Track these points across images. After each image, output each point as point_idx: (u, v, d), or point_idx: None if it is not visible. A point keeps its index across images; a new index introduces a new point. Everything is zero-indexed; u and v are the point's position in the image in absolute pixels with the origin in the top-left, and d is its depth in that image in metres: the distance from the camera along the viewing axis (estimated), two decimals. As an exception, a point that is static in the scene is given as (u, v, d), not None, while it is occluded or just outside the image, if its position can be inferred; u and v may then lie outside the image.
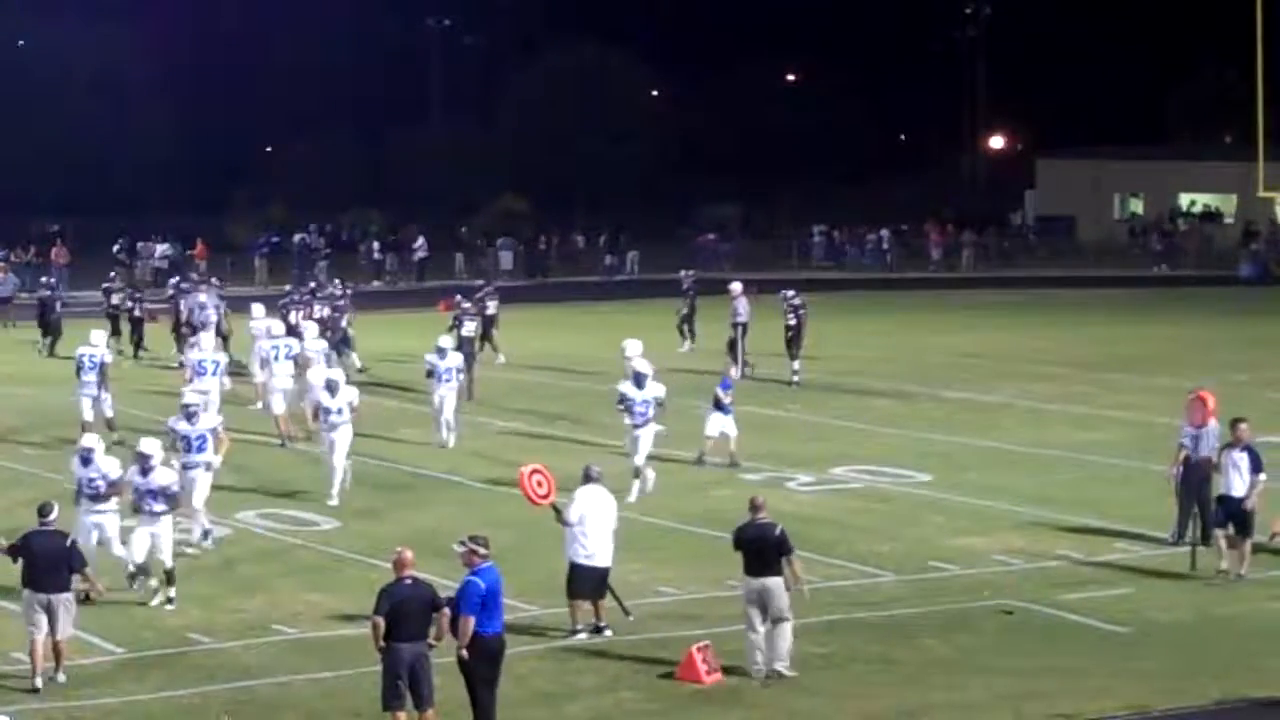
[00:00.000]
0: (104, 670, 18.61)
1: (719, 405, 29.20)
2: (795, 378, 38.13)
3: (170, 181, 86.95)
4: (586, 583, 19.64)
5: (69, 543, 18.67)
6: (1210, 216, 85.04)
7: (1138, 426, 32.70)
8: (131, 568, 20.97)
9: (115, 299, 45.18)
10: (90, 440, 21.73)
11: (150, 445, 21.37)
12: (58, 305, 45.42)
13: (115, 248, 65.39)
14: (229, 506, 25.96)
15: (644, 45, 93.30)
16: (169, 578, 20.98)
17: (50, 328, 44.92)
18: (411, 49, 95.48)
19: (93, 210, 79.46)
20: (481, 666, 16.21)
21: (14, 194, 78.84)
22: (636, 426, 26.68)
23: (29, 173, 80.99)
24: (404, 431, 32.22)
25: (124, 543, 21.13)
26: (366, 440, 31.40)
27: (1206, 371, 36.79)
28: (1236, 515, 22.14)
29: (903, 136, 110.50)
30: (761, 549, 18.45)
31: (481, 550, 16.53)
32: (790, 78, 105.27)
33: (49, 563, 18.30)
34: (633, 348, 30.60)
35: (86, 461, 21.31)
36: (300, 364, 32.17)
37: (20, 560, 18.50)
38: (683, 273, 46.68)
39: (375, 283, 65.13)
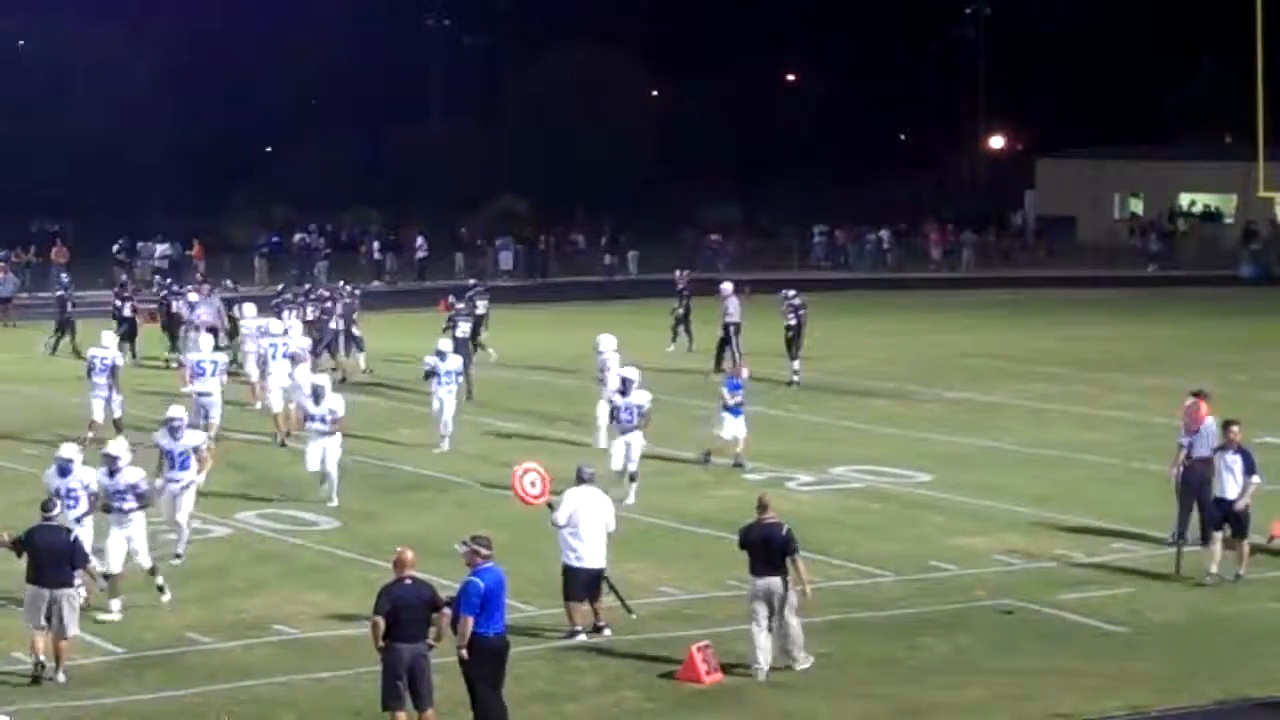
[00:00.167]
0: (104, 670, 18.62)
1: (728, 406, 29.08)
2: (795, 377, 38.14)
3: (170, 181, 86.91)
4: (579, 584, 19.63)
5: (72, 539, 18.73)
6: (1210, 216, 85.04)
7: (1138, 426, 32.71)
8: (103, 582, 20.35)
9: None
10: (70, 450, 21.03)
11: (118, 446, 21.04)
12: (68, 306, 45.40)
13: (115, 248, 65.35)
14: (229, 506, 25.98)
15: (644, 45, 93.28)
16: (153, 571, 20.89)
17: (66, 326, 44.84)
18: (411, 49, 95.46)
19: (93, 210, 79.45)
20: (482, 667, 16.21)
21: (14, 194, 78.78)
22: (623, 433, 26.54)
23: (29, 173, 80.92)
24: (403, 432, 32.23)
25: (97, 552, 20.38)
26: (367, 440, 31.48)
27: (1206, 371, 36.80)
28: (1232, 517, 22.15)
29: (903, 136, 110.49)
30: (767, 549, 18.47)
31: (483, 550, 16.52)
32: (790, 78, 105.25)
33: (52, 558, 18.40)
34: (606, 343, 30.70)
35: (65, 472, 20.69)
36: (296, 363, 32.30)
37: (24, 556, 18.63)
38: (677, 273, 46.68)
39: (375, 283, 65.09)
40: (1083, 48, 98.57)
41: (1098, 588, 21.76)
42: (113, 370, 31.24)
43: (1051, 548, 23.81)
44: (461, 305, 40.23)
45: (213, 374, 31.13)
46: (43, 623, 18.22)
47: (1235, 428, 22.70)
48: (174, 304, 42.75)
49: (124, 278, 50.81)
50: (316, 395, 26.62)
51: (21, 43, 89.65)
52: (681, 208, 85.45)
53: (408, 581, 16.08)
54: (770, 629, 18.36)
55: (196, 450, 23.18)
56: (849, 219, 78.74)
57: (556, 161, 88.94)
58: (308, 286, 44.61)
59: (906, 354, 44.41)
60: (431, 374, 30.69)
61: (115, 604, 20.32)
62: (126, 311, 43.40)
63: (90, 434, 29.59)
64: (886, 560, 23.05)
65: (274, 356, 32.68)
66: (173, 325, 42.76)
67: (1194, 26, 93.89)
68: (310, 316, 40.04)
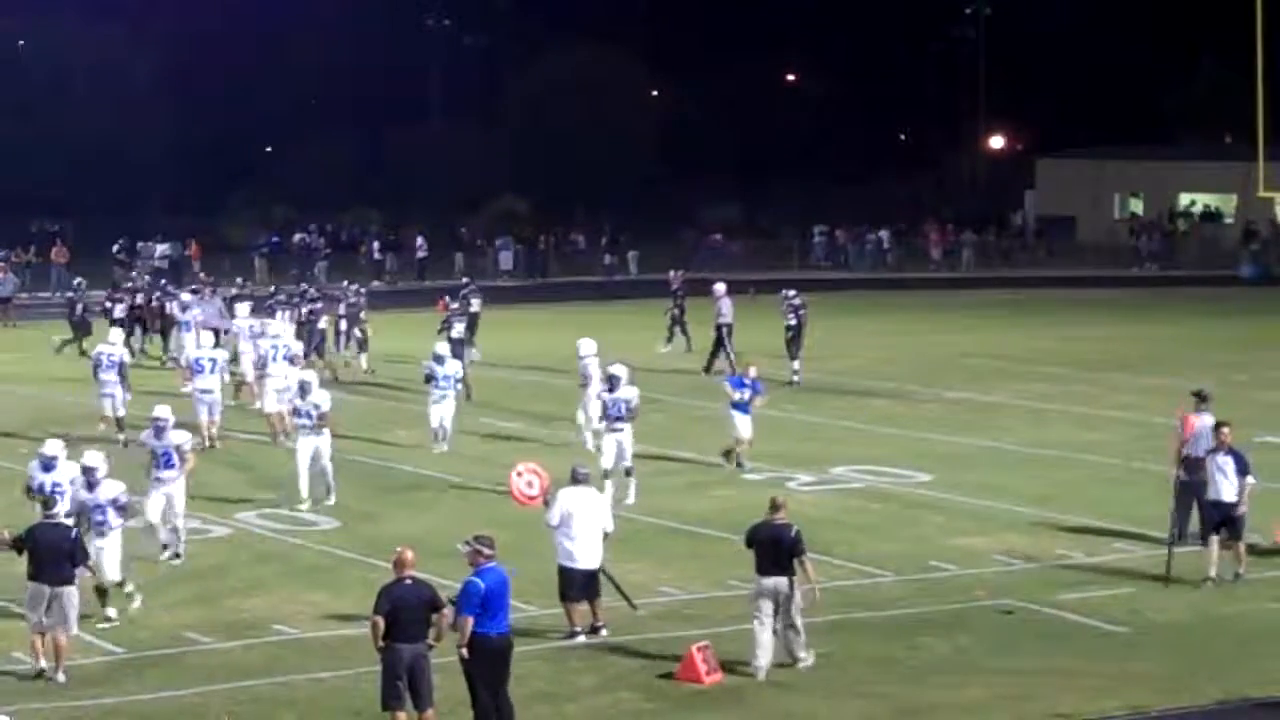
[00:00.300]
0: (104, 670, 18.62)
1: (737, 404, 29.00)
2: (795, 377, 38.14)
3: (170, 181, 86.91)
4: (574, 585, 19.61)
5: (73, 536, 18.76)
6: (1210, 216, 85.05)
7: (1138, 426, 32.71)
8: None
9: (138, 299, 45.02)
10: (54, 447, 20.95)
11: (94, 458, 20.58)
12: (79, 307, 45.41)
13: (115, 248, 65.36)
14: (229, 506, 25.98)
15: (644, 45, 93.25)
16: (121, 584, 20.24)
17: (79, 326, 44.83)
18: (411, 49, 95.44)
19: (93, 210, 79.44)
20: (483, 666, 16.20)
21: (14, 194, 78.78)
22: (611, 431, 26.45)
23: (29, 173, 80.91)
24: (403, 432, 32.23)
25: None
26: (367, 440, 31.51)
27: (1206, 371, 36.78)
28: (1228, 519, 22.13)
29: (903, 136, 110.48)
30: (776, 549, 18.53)
31: (486, 550, 16.50)
32: (790, 78, 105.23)
33: (52, 555, 18.45)
34: (586, 347, 30.84)
35: (48, 468, 20.57)
36: (294, 364, 32.40)
37: (26, 553, 18.68)
38: (672, 273, 46.70)
39: (375, 283, 65.08)
40: (1083, 48, 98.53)
41: (1098, 588, 21.76)
42: (120, 367, 31.52)
43: (1051, 548, 23.81)
44: (456, 305, 40.30)
45: (211, 371, 31.23)
46: (42, 620, 18.23)
47: (1226, 429, 22.70)
48: (168, 304, 42.73)
49: (115, 278, 50.82)
50: (303, 390, 26.62)
51: (21, 43, 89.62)
52: (681, 208, 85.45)
53: (408, 582, 16.07)
54: (775, 629, 18.38)
55: (179, 449, 23.05)
56: (849, 219, 78.74)
57: (556, 161, 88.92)
58: (305, 287, 44.55)
59: (906, 354, 44.42)
60: (430, 378, 30.59)
61: (112, 611, 20.17)
62: (117, 313, 43.42)
63: (102, 427, 30.22)
64: (886, 560, 23.04)
65: (274, 358, 32.75)
66: (165, 325, 42.75)
67: (1194, 26, 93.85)
68: (303, 318, 40.14)
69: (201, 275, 45.73)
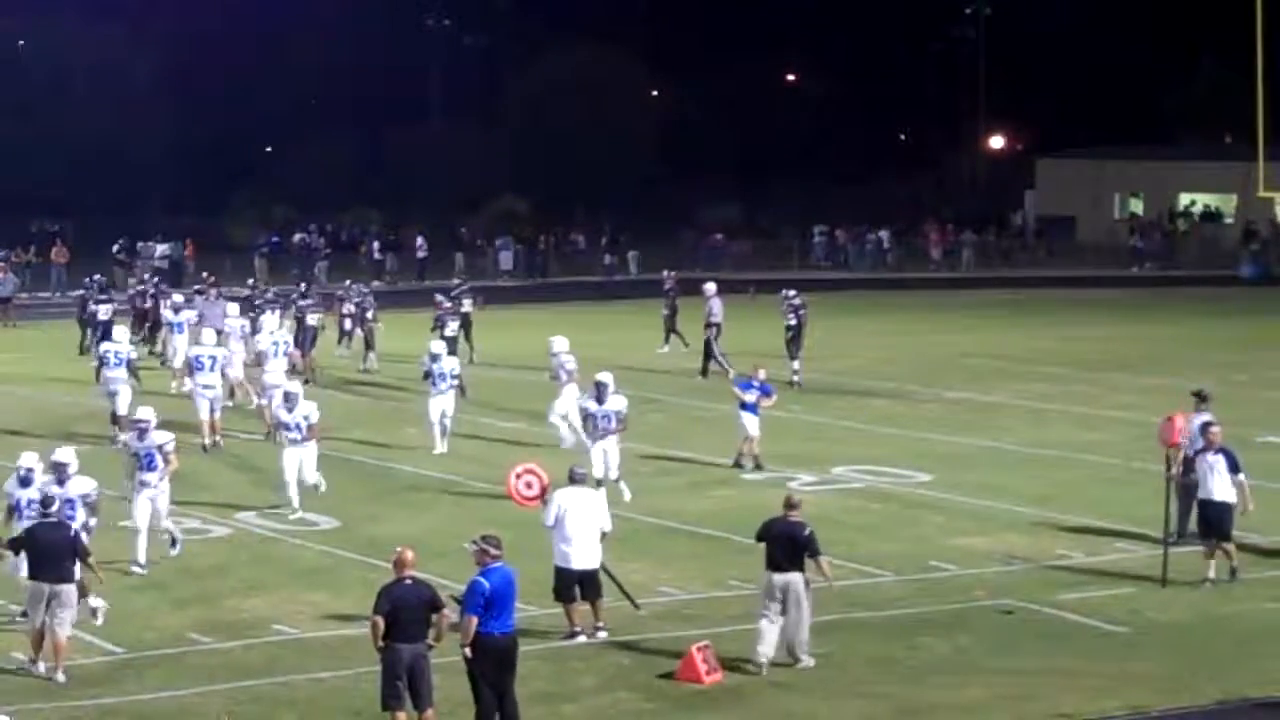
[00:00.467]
0: (104, 670, 18.62)
1: (745, 406, 28.99)
2: (795, 377, 38.12)
3: (170, 181, 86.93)
4: (570, 585, 19.59)
5: (72, 534, 18.77)
6: (1210, 216, 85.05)
7: (1138, 426, 32.65)
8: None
9: (148, 302, 45.06)
10: (29, 460, 20.59)
11: (65, 454, 20.44)
12: (138, 303, 45.41)
13: (115, 248, 65.37)
14: (229, 506, 25.97)
15: (644, 45, 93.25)
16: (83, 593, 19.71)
17: (95, 328, 44.80)
18: (411, 49, 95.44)
19: (93, 210, 79.44)
20: (487, 666, 16.17)
21: (14, 194, 78.78)
22: (598, 439, 26.18)
23: (29, 173, 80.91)
24: (403, 432, 32.22)
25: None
26: (368, 440, 31.51)
27: (1206, 371, 36.80)
28: (1215, 519, 22.08)
29: (903, 136, 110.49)
30: (788, 546, 18.59)
31: (493, 550, 16.48)
32: (790, 78, 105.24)
33: (51, 553, 18.47)
34: (559, 344, 30.91)
35: (26, 483, 20.20)
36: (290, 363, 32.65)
37: (23, 552, 18.73)
38: (665, 273, 46.74)
39: (376, 283, 64.93)
40: (1083, 48, 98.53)
41: (1098, 588, 21.75)
42: (128, 364, 31.75)
43: (1051, 548, 23.81)
44: (449, 304, 40.37)
45: (211, 369, 31.31)
46: (43, 618, 18.26)
47: (1215, 429, 22.69)
48: (161, 305, 42.70)
49: (147, 276, 50.94)
50: (289, 402, 26.03)
51: (21, 43, 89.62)
52: (681, 208, 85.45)
53: (408, 582, 16.07)
54: (781, 626, 18.42)
55: (162, 449, 22.71)
56: (849, 219, 78.76)
57: (556, 161, 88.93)
58: (303, 286, 44.60)
59: (906, 354, 44.42)
60: (428, 375, 30.51)
61: (97, 601, 19.93)
62: (102, 314, 43.43)
63: (113, 429, 30.35)
64: (886, 560, 23.04)
65: (275, 354, 33.17)
66: (155, 326, 42.75)
67: (1194, 26, 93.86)
68: (298, 313, 40.27)
69: (206, 275, 45.68)
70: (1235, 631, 19.98)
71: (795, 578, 18.52)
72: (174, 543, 22.90)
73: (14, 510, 20.11)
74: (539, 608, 20.17)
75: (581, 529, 19.65)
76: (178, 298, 41.71)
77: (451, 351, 34.43)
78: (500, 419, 33.73)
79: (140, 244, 67.21)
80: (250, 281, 48.37)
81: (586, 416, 26.68)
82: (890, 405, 36.24)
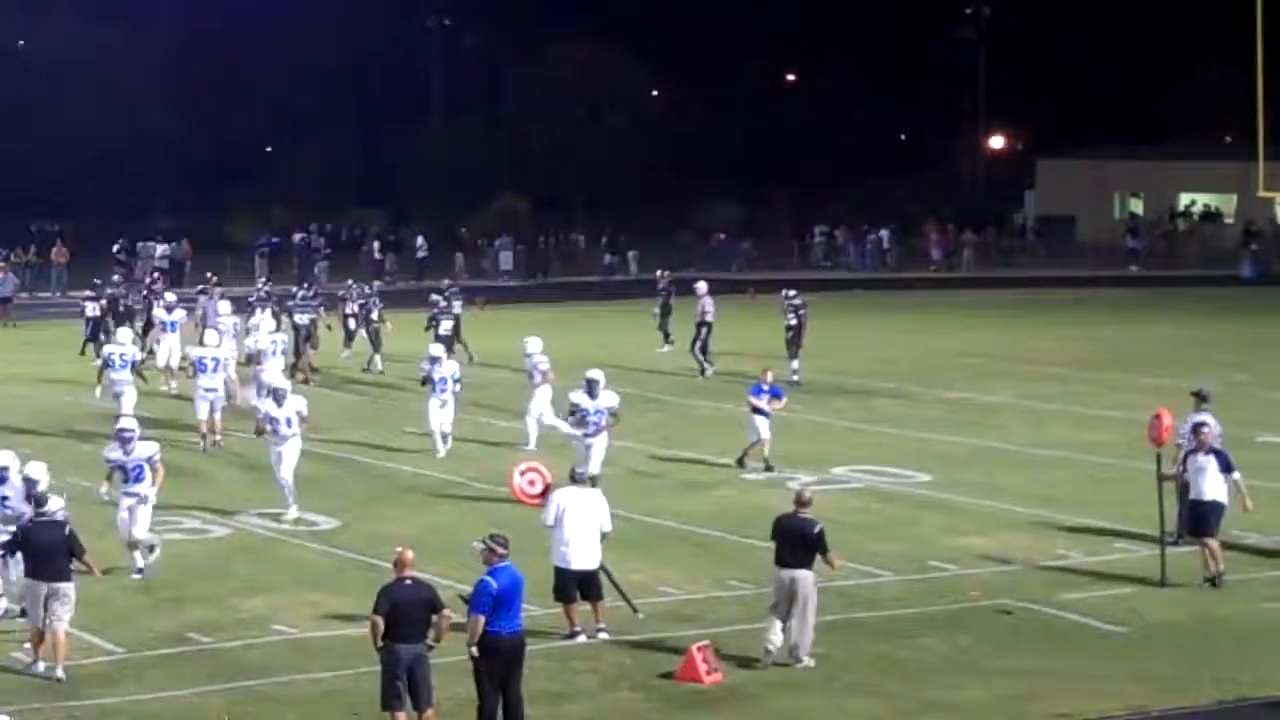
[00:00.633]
0: (104, 670, 18.61)
1: (757, 409, 28.97)
2: (795, 377, 38.11)
3: (170, 181, 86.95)
4: (568, 585, 19.56)
5: (67, 531, 18.78)
6: (1210, 216, 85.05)
7: (1138, 426, 32.51)
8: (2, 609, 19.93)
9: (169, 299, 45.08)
10: (4, 458, 20.48)
11: (37, 470, 20.22)
12: (122, 303, 45.42)
13: (115, 248, 65.40)
14: (229, 507, 25.97)
15: (644, 45, 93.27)
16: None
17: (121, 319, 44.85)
18: (411, 49, 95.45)
19: (93, 210, 79.46)
20: (493, 666, 16.16)
21: (14, 194, 78.80)
22: (588, 436, 26.03)
23: (29, 173, 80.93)
24: (404, 431, 32.21)
25: None
26: (368, 441, 31.51)
27: (1206, 371, 36.75)
28: (1202, 519, 22.05)
29: (903, 136, 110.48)
30: (796, 543, 18.66)
31: (500, 549, 16.47)
32: (790, 78, 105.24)
33: (49, 552, 18.51)
34: (533, 345, 30.93)
35: (2, 480, 20.11)
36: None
37: (20, 551, 18.75)
38: (659, 273, 46.73)
39: (376, 283, 64.99)
40: (1083, 47, 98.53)
41: (1098, 588, 21.75)
42: (133, 366, 31.97)
43: (1051, 548, 23.81)
44: (443, 303, 40.44)
45: (215, 370, 31.33)
46: (42, 616, 18.28)
47: (1206, 430, 22.67)
48: (153, 305, 42.72)
49: (157, 276, 51.08)
50: (278, 399, 25.70)
51: (21, 43, 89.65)
52: (681, 208, 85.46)
53: (407, 582, 16.06)
54: (788, 626, 18.46)
55: (150, 460, 22.18)
56: (849, 219, 78.76)
57: (556, 161, 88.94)
58: (306, 287, 44.62)
59: (906, 354, 44.42)
60: (427, 380, 30.31)
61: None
62: (89, 311, 43.52)
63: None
64: (886, 560, 23.03)
65: (274, 353, 33.26)
66: (148, 326, 42.79)
67: (1194, 26, 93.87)
68: (293, 308, 40.43)
69: (209, 276, 45.69)
70: (1235, 631, 19.98)
71: (803, 574, 18.57)
72: (150, 548, 22.25)
73: None
74: (540, 608, 20.15)
75: (581, 529, 19.63)
76: (170, 297, 41.72)
77: (449, 351, 34.42)
78: (500, 419, 33.70)
79: (140, 244, 67.24)
80: (262, 280, 48.38)
81: (578, 412, 26.42)
82: (890, 405, 36.24)
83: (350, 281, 46.30)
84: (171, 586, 21.73)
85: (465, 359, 39.73)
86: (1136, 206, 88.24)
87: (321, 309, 42.15)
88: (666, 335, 43.83)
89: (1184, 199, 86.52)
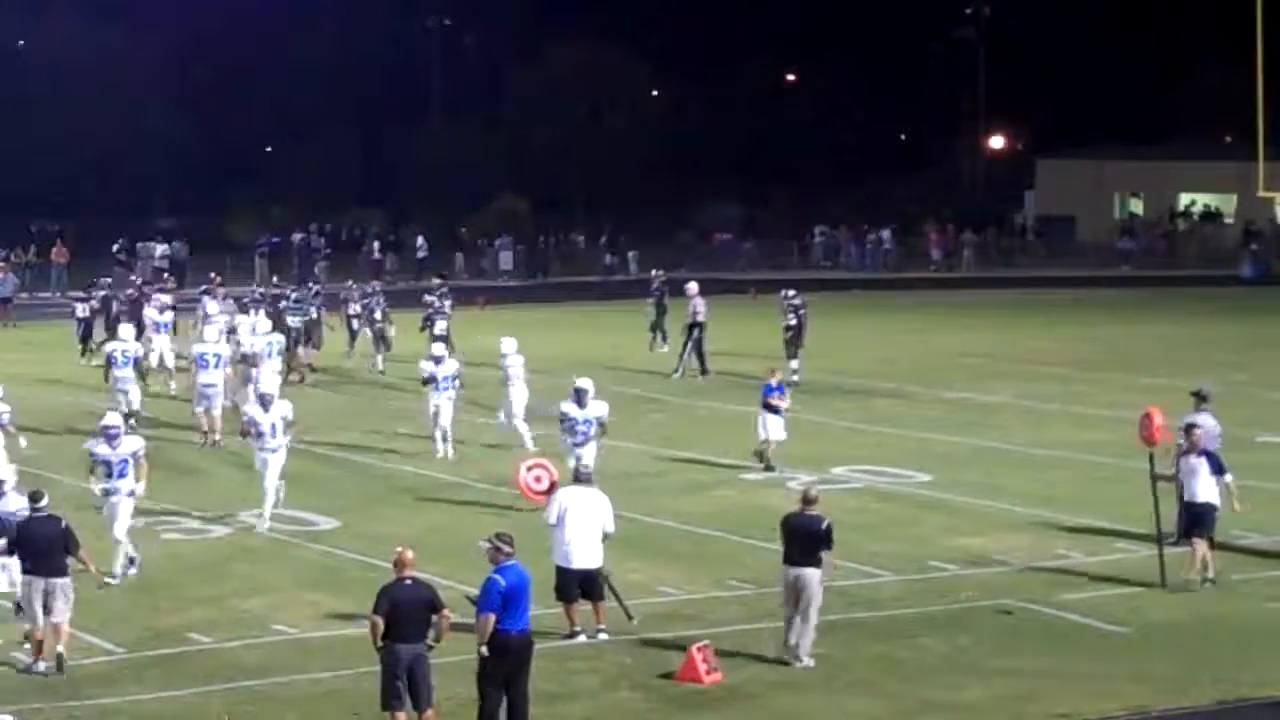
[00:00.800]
0: (104, 670, 18.61)
1: (769, 407, 28.96)
2: (795, 377, 38.10)
3: (170, 181, 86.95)
4: (569, 584, 19.57)
5: (63, 526, 18.81)
6: (1210, 216, 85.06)
7: (1138, 426, 32.63)
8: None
9: (161, 300, 45.09)
10: (4, 472, 20.48)
11: (3, 470, 20.18)
12: (114, 304, 45.44)
13: (115, 248, 65.38)
14: (229, 507, 25.96)
15: (644, 45, 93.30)
16: (18, 609, 19.17)
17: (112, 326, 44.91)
18: (411, 49, 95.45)
19: (93, 210, 79.45)
20: (501, 665, 16.13)
21: (14, 194, 78.80)
22: (577, 445, 25.60)
23: (29, 173, 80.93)
24: (404, 431, 32.20)
25: None
26: (368, 441, 31.51)
27: (1206, 371, 36.74)
28: (1194, 521, 22.02)
29: (903, 136, 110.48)
30: (805, 539, 18.70)
31: (506, 548, 16.47)
32: (790, 78, 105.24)
33: (46, 548, 18.55)
34: (507, 345, 31.00)
35: None
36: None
37: (17, 549, 18.75)
38: (653, 273, 46.73)
39: (375, 283, 65.05)
40: (1083, 47, 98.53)
41: (1098, 588, 21.75)
42: (135, 363, 32.05)
43: (1051, 548, 23.81)
44: (436, 302, 40.46)
45: (216, 366, 31.44)
46: (41, 613, 18.29)
47: (1198, 431, 22.65)
48: (145, 305, 42.73)
49: (166, 276, 51.16)
50: (264, 404, 25.41)
51: (21, 43, 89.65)
52: (681, 208, 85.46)
53: (407, 582, 16.06)
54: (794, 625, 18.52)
55: (135, 456, 22.05)
56: (849, 219, 78.77)
57: (556, 161, 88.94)
58: (311, 286, 44.64)
59: (906, 354, 44.42)
60: (429, 380, 30.26)
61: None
62: (79, 312, 43.55)
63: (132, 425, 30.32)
64: (886, 560, 23.03)
65: (270, 354, 33.34)
66: (141, 327, 42.79)
67: (1194, 26, 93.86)
68: (288, 308, 40.46)
69: (213, 276, 45.71)
70: (1235, 631, 19.98)
71: (808, 573, 18.57)
72: (131, 561, 21.93)
73: None
74: (541, 607, 20.13)
75: (583, 528, 19.63)
76: (163, 298, 41.75)
77: (450, 350, 34.45)
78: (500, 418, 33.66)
79: (140, 244, 67.23)
80: (275, 280, 48.40)
81: (566, 421, 25.98)
82: (890, 405, 36.23)
83: (350, 283, 46.29)
84: (171, 586, 21.74)
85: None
86: (1136, 206, 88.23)
87: (322, 309, 42.15)
88: (664, 335, 43.83)
89: (1184, 199, 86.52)
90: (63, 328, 45.75)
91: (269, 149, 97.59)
